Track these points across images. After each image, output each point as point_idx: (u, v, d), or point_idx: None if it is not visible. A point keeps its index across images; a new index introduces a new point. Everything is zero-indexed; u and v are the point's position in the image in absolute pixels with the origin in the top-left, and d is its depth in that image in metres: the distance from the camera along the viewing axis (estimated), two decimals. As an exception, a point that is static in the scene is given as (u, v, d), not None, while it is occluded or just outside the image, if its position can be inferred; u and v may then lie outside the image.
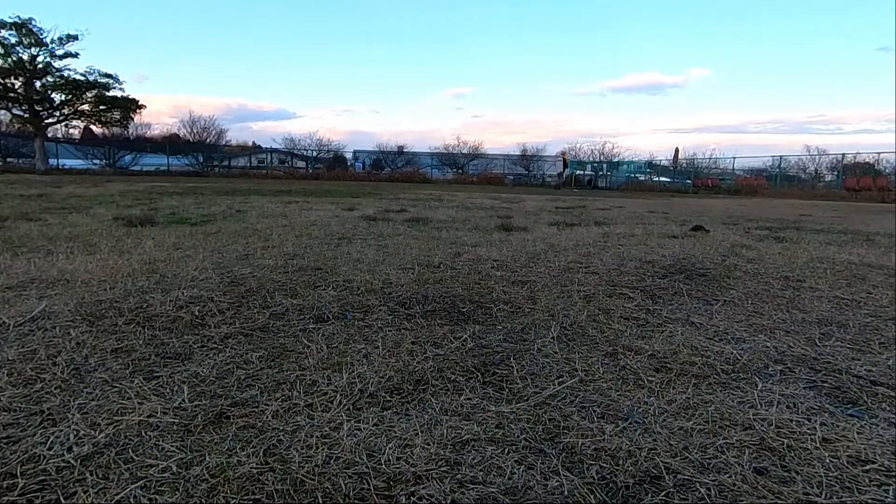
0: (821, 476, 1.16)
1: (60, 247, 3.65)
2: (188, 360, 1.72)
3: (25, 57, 26.36)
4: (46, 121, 28.28)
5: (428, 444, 1.24)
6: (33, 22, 25.88)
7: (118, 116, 29.49)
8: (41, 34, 26.24)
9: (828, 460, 1.22)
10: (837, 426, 1.38)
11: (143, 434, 1.26)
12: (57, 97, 27.88)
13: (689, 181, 30.90)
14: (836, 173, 28.16)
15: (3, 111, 28.65)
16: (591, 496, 1.08)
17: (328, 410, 1.40)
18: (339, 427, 1.32)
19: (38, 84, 27.09)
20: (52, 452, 1.17)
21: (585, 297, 2.63)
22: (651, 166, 35.11)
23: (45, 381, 1.52)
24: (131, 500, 1.03)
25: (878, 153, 26.33)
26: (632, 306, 2.50)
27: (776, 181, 28.28)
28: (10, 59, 25.90)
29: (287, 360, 1.73)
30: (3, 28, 25.36)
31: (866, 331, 2.21)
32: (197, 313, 2.17)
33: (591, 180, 32.15)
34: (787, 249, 4.47)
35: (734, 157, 31.75)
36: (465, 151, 36.98)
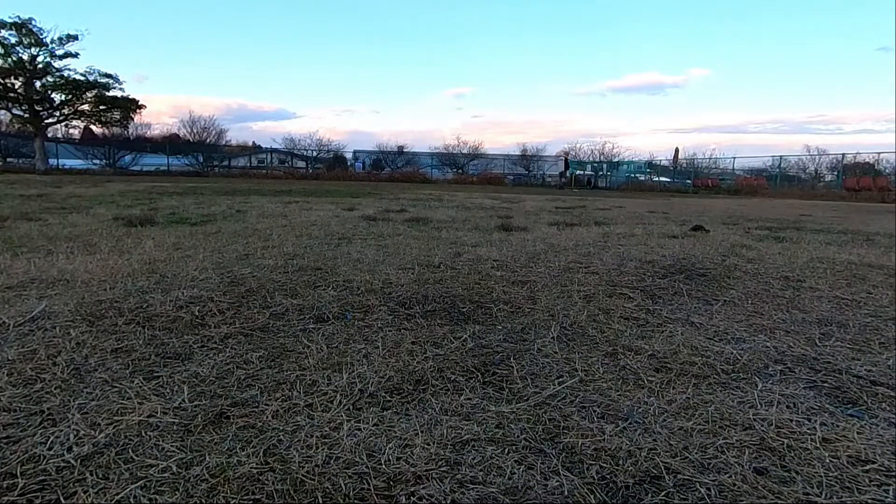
0: (821, 476, 1.16)
1: (60, 247, 3.65)
2: (188, 360, 1.72)
3: (25, 57, 26.37)
4: (46, 121, 28.29)
5: (428, 444, 1.24)
6: (33, 22, 25.93)
7: (118, 116, 29.50)
8: (41, 34, 26.27)
9: (828, 460, 1.22)
10: (837, 426, 1.38)
11: (143, 434, 1.26)
12: (57, 97, 27.91)
13: (689, 181, 30.91)
14: (836, 173, 28.17)
15: (3, 111, 28.68)
16: (591, 496, 1.08)
17: (328, 410, 1.40)
18: (339, 427, 1.32)
19: (38, 84, 27.10)
20: (52, 452, 1.17)
21: (585, 297, 2.63)
22: (651, 166, 35.13)
23: (45, 381, 1.52)
24: (131, 500, 1.03)
25: (878, 153, 26.37)
26: (632, 306, 2.50)
27: (776, 181, 28.29)
28: (10, 59, 25.92)
29: (287, 360, 1.73)
30: (3, 28, 25.39)
31: (866, 331, 2.21)
32: (197, 313, 2.17)
33: (590, 180, 32.15)
34: (787, 249, 4.47)
35: (734, 157, 31.82)
36: (465, 151, 37.00)
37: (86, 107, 28.48)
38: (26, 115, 27.50)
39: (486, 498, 1.07)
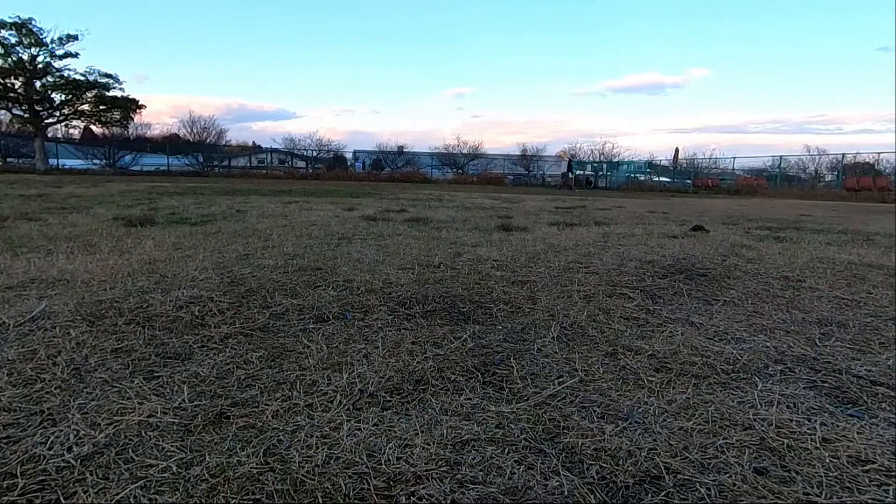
0: (821, 476, 1.16)
1: (60, 247, 3.65)
2: (188, 360, 1.72)
3: (25, 57, 26.37)
4: (46, 121, 28.29)
5: (428, 444, 1.24)
6: (33, 22, 25.92)
7: (118, 116, 29.50)
8: (41, 34, 26.27)
9: (828, 460, 1.22)
10: (837, 426, 1.38)
11: (143, 434, 1.26)
12: (57, 97, 27.91)
13: (689, 181, 30.91)
14: (836, 173, 28.16)
15: (3, 111, 28.68)
16: (591, 496, 1.08)
17: (328, 410, 1.40)
18: (339, 427, 1.32)
19: (38, 84, 27.10)
20: (52, 452, 1.17)
21: (585, 297, 2.63)
22: (651, 166, 35.13)
23: (45, 381, 1.52)
24: (131, 500, 1.03)
25: (878, 153, 26.37)
26: (632, 306, 2.50)
27: (776, 181, 28.29)
28: (10, 59, 25.91)
29: (287, 360, 1.73)
30: (3, 28, 25.38)
31: (866, 331, 2.21)
32: (197, 313, 2.17)
33: (589, 180, 32.14)
34: (787, 249, 4.47)
35: (734, 157, 31.81)
36: (465, 151, 36.99)
37: (86, 107, 28.48)
38: (26, 115, 27.50)
39: (486, 498, 1.07)
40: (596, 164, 35.47)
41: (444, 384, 1.59)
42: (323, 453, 1.19)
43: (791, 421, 1.40)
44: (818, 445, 1.28)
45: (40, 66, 26.77)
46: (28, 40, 26.01)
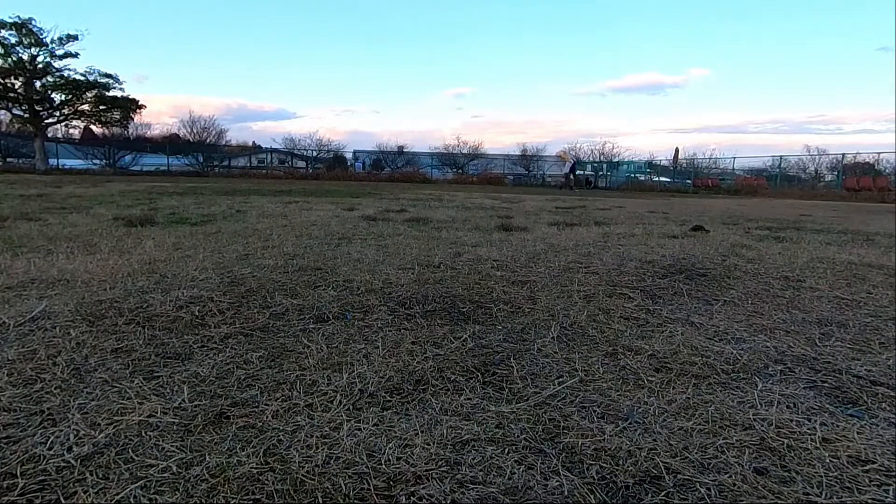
0: (821, 476, 1.16)
1: (60, 247, 3.65)
2: (188, 360, 1.72)
3: (25, 57, 26.38)
4: (46, 121, 28.30)
5: (428, 444, 1.24)
6: (33, 22, 25.93)
7: (118, 116, 29.52)
8: (41, 34, 26.28)
9: (828, 460, 1.22)
10: (837, 426, 1.38)
11: (143, 434, 1.26)
12: (57, 97, 27.93)
13: (689, 181, 30.91)
14: (836, 173, 28.16)
15: (3, 111, 28.69)
16: (591, 496, 1.08)
17: (328, 410, 1.40)
18: (339, 427, 1.32)
19: (38, 84, 27.11)
20: (52, 452, 1.17)
21: (585, 297, 2.63)
22: (651, 166, 35.13)
23: (45, 381, 1.52)
24: (131, 500, 1.03)
25: (878, 153, 26.38)
26: (632, 306, 2.50)
27: (776, 181, 28.28)
28: (10, 59, 25.92)
29: (287, 360, 1.73)
30: (3, 28, 25.39)
31: (866, 331, 2.21)
32: (197, 313, 2.17)
33: (589, 179, 32.14)
34: (787, 249, 4.47)
35: (734, 157, 31.81)
36: (465, 151, 37.00)
37: (86, 107, 28.50)
38: (26, 115, 27.52)
39: (486, 498, 1.07)
40: (596, 164, 35.48)
41: (444, 384, 1.59)
42: (323, 453, 1.19)
43: (791, 421, 1.40)
44: (818, 445, 1.28)
45: (40, 66, 26.78)
46: (28, 40, 26.02)
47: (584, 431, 1.33)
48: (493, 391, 1.56)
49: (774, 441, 1.29)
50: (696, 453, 1.24)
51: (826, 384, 1.66)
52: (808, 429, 1.36)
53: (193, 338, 1.91)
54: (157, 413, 1.35)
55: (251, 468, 1.13)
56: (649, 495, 1.09)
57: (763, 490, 1.11)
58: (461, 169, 35.80)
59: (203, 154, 34.94)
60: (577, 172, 30.70)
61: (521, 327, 2.14)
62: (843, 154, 27.43)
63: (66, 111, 28.44)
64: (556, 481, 1.12)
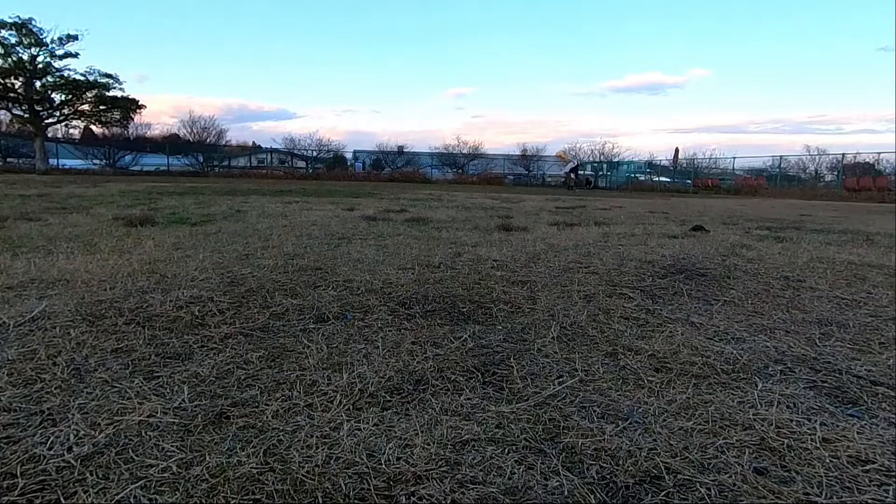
0: (821, 476, 1.16)
1: (60, 247, 3.65)
2: (188, 360, 1.72)
3: (25, 57, 26.39)
4: (46, 121, 28.31)
5: (428, 444, 1.24)
6: (33, 22, 25.95)
7: (118, 116, 29.54)
8: (41, 34, 26.29)
9: (828, 460, 1.22)
10: (837, 426, 1.38)
11: (143, 434, 1.26)
12: (57, 97, 27.95)
13: (689, 181, 30.92)
14: (836, 173, 28.17)
15: (3, 111, 28.70)
16: (591, 496, 1.08)
17: (328, 410, 1.40)
18: (339, 427, 1.32)
19: (38, 84, 27.12)
20: (52, 452, 1.17)
21: (585, 297, 2.63)
22: (651, 166, 35.15)
23: (45, 381, 1.52)
24: (131, 500, 1.03)
25: (878, 153, 26.41)
26: (632, 306, 2.50)
27: (776, 181, 28.30)
28: (10, 59, 25.93)
29: (287, 360, 1.73)
30: (3, 28, 25.39)
31: (866, 331, 2.21)
32: (197, 313, 2.17)
33: (589, 179, 32.14)
34: (787, 249, 4.47)
35: (734, 157, 31.85)
36: (465, 151, 37.00)
37: (86, 107, 28.51)
38: (26, 115, 27.53)
39: (486, 498, 1.06)
40: (596, 164, 35.49)
41: (444, 384, 1.59)
42: (323, 453, 1.19)
43: (791, 421, 1.40)
44: (818, 445, 1.28)
45: (40, 66, 26.79)
46: (28, 40, 26.03)
47: (584, 431, 1.33)
48: (493, 391, 1.56)
49: (774, 441, 1.29)
50: (696, 453, 1.24)
51: (826, 384, 1.66)
52: (808, 429, 1.36)
53: (193, 338, 1.91)
54: (157, 413, 1.35)
55: (251, 468, 1.13)
56: (649, 495, 1.09)
57: (763, 490, 1.11)
58: (461, 169, 35.82)
59: (203, 154, 34.97)
60: (579, 173, 30.71)
61: (521, 327, 2.14)
62: (843, 154, 27.48)
63: (66, 111, 28.46)
64: (556, 481, 1.12)
